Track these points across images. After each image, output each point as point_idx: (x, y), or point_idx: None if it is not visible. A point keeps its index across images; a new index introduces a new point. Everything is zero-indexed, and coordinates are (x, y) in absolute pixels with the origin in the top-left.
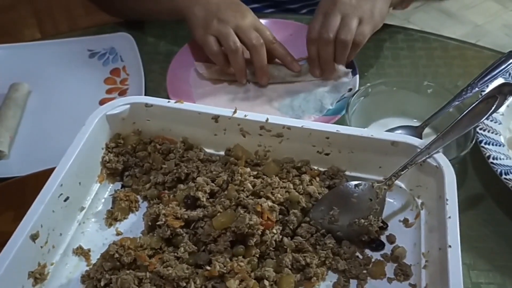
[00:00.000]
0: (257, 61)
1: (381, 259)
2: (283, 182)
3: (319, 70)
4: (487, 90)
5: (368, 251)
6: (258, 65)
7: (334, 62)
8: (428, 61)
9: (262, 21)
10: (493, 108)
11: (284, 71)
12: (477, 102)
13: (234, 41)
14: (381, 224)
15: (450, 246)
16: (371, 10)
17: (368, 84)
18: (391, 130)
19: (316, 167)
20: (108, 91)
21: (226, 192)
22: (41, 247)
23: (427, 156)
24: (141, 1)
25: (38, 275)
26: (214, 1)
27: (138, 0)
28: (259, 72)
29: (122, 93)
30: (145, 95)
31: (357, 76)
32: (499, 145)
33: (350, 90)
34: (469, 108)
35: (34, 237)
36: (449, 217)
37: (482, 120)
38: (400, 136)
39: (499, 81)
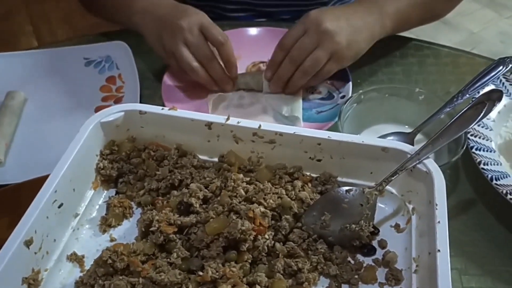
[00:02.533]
0: (213, 74)
1: (373, 264)
2: (275, 188)
3: (272, 74)
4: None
5: (359, 256)
6: (216, 77)
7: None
8: (421, 68)
9: (256, 29)
10: (482, 114)
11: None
12: (466, 109)
13: (188, 61)
14: (372, 229)
15: (439, 251)
16: (348, 44)
17: (361, 91)
18: (384, 136)
19: (308, 173)
20: (104, 99)
21: (219, 198)
22: (35, 253)
23: (417, 162)
24: (108, 12)
25: (32, 281)
26: (162, 13)
27: (107, 12)
28: (220, 83)
29: (118, 100)
30: (140, 102)
31: (350, 83)
32: (490, 151)
33: (343, 97)
34: (458, 115)
35: (28, 243)
36: (439, 222)
37: (471, 126)
38: (391, 142)
39: (489, 87)
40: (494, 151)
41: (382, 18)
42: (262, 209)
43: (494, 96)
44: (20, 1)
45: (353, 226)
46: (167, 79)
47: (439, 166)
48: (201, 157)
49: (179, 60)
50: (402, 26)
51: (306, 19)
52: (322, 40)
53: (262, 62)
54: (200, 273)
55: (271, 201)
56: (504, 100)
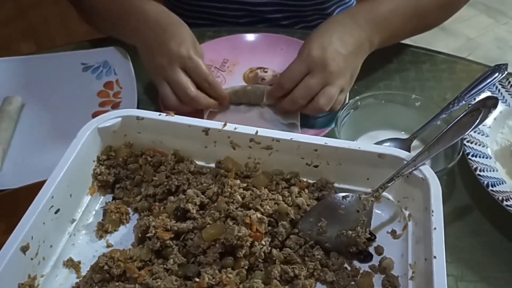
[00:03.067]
0: (199, 107)
1: (369, 270)
2: (272, 194)
3: (274, 103)
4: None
5: (356, 263)
6: (203, 108)
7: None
8: (417, 75)
9: (253, 35)
10: (477, 120)
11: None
12: (462, 116)
13: (170, 100)
14: (369, 236)
15: (435, 257)
16: (351, 76)
17: (357, 97)
18: (380, 142)
19: (305, 179)
20: (101, 104)
21: (216, 204)
22: (32, 259)
23: (413, 168)
24: (104, 26)
25: (28, 287)
26: (148, 39)
27: (103, 26)
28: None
29: (115, 106)
30: (138, 108)
31: None
32: (486, 158)
33: None
34: (455, 121)
35: (24, 249)
36: (435, 228)
37: (467, 133)
38: (387, 149)
39: (485, 94)
40: (490, 158)
41: (371, 35)
42: (259, 215)
43: (490, 103)
44: (19, 7)
45: (350, 232)
46: None
47: (436, 173)
48: (198, 162)
49: (161, 97)
50: (389, 40)
51: (309, 57)
52: (330, 80)
53: (260, 68)
54: (197, 279)
55: (267, 207)
56: (500, 107)
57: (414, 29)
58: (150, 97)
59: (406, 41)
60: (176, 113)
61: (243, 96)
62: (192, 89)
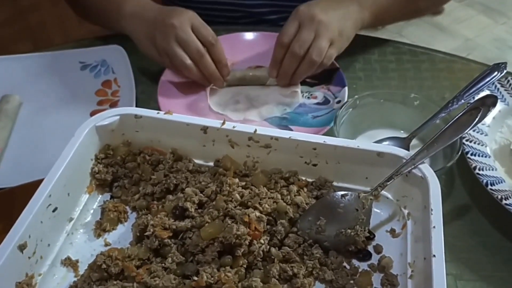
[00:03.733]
0: (203, 69)
1: (368, 269)
2: (271, 192)
3: (277, 72)
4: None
5: (355, 261)
6: (206, 73)
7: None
8: (416, 74)
9: (252, 33)
10: (476, 119)
11: (258, 73)
12: (461, 114)
13: (182, 59)
14: (368, 234)
15: (434, 256)
16: (340, 32)
17: (356, 96)
18: (379, 141)
19: (304, 178)
20: (100, 103)
21: (214, 203)
22: (29, 257)
23: (412, 166)
24: (97, 19)
25: (26, 286)
26: (152, 16)
27: (96, 17)
28: (211, 78)
29: (113, 104)
30: (136, 106)
31: (346, 88)
32: (485, 156)
33: (339, 102)
34: (453, 120)
35: (22, 248)
36: (434, 227)
37: (466, 132)
38: (386, 147)
39: (484, 93)
40: (489, 156)
41: (361, 9)
42: (258, 213)
43: (489, 102)
44: (18, 9)
45: (349, 231)
46: (163, 84)
47: (435, 171)
48: (196, 161)
49: (172, 58)
50: (382, 18)
51: (297, 14)
52: (319, 30)
53: (258, 67)
54: (195, 278)
55: (266, 205)
56: (499, 106)
57: (404, 11)
58: (149, 96)
59: (405, 40)
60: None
61: (243, 81)
62: (186, 57)
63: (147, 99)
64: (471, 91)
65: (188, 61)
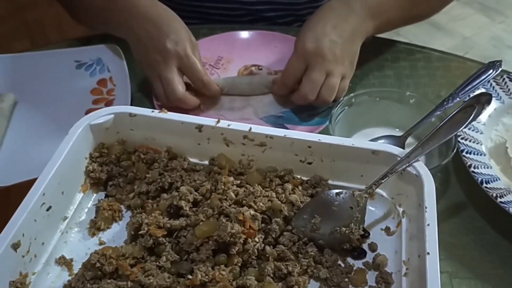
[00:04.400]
0: (189, 106)
1: (363, 267)
2: (265, 191)
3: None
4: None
5: (350, 259)
6: (189, 108)
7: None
8: (412, 72)
9: (248, 32)
10: (471, 117)
11: (255, 82)
12: (455, 112)
13: (162, 97)
14: (363, 232)
15: (428, 253)
16: (350, 61)
17: (352, 94)
18: (375, 139)
19: (299, 176)
20: (95, 102)
21: (209, 201)
22: (23, 256)
23: (407, 164)
24: (95, 20)
25: (20, 285)
26: (142, 35)
27: (94, 22)
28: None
29: (109, 103)
30: (131, 105)
31: None
32: (480, 154)
33: (334, 100)
34: (448, 118)
35: (15, 246)
36: (428, 225)
37: (460, 129)
38: (380, 145)
39: (480, 90)
40: (485, 155)
41: (364, 21)
42: (252, 212)
43: (483, 99)
44: (14, 7)
45: (343, 229)
46: None
47: (430, 169)
48: (191, 160)
49: (166, 87)
50: (385, 27)
51: (305, 51)
52: (330, 70)
53: (255, 66)
54: (190, 276)
55: (261, 204)
56: (494, 104)
57: (408, 17)
58: (144, 95)
59: (401, 39)
60: (170, 110)
61: (235, 88)
62: (180, 89)
63: (142, 98)
64: (466, 89)
65: (165, 101)
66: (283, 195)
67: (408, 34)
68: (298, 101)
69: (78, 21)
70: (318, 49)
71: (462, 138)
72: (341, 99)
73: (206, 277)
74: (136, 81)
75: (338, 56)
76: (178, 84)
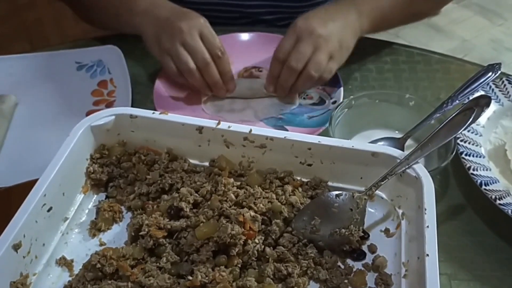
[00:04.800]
0: (208, 78)
1: (362, 268)
2: (266, 192)
3: (274, 88)
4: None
5: (349, 261)
6: (210, 82)
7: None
8: (411, 74)
9: (248, 34)
10: (470, 119)
11: (255, 86)
12: (454, 114)
13: (186, 61)
14: (362, 234)
15: (428, 255)
16: (340, 44)
17: (352, 97)
18: (374, 142)
19: (299, 178)
20: (95, 103)
21: (209, 203)
22: (24, 257)
23: (407, 166)
24: (106, 17)
25: (20, 285)
26: (163, 15)
27: (104, 15)
28: (214, 88)
29: (109, 105)
30: (132, 107)
31: (341, 88)
32: (480, 157)
33: (334, 102)
34: (447, 120)
35: (16, 247)
36: (427, 227)
37: (460, 132)
38: (380, 147)
39: (479, 93)
40: (484, 157)
41: (359, 17)
42: (252, 213)
43: (483, 102)
44: (13, 7)
45: (343, 230)
46: (159, 84)
47: (429, 171)
48: (191, 161)
49: (176, 60)
50: (381, 24)
51: (295, 28)
52: (318, 44)
53: (255, 67)
54: (190, 277)
55: (261, 205)
56: (494, 106)
57: (404, 16)
58: (144, 96)
59: (401, 41)
60: (171, 111)
61: (247, 90)
62: (207, 55)
63: (143, 99)
64: (465, 92)
65: (192, 65)
66: (283, 197)
67: (407, 36)
68: (285, 75)
69: (85, 19)
70: (307, 24)
71: (461, 140)
72: (341, 101)
73: (206, 278)
74: (136, 83)
75: (327, 33)
76: (187, 56)
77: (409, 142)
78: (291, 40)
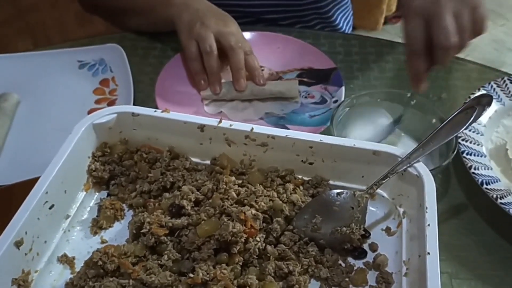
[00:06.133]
0: (234, 61)
1: (363, 267)
2: (267, 190)
3: (424, 85)
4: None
5: (350, 259)
6: (235, 67)
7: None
8: None
9: (250, 33)
10: (471, 118)
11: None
12: (456, 113)
13: (211, 44)
14: (363, 232)
15: (429, 253)
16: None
17: (353, 96)
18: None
19: (300, 176)
20: (97, 101)
21: (210, 201)
22: (25, 254)
23: (408, 165)
24: (140, 14)
25: (22, 282)
26: (202, 8)
27: (137, 13)
28: (236, 74)
29: (111, 103)
30: (133, 105)
31: (343, 88)
32: (481, 156)
33: (336, 101)
34: (448, 119)
35: (18, 244)
36: (428, 225)
37: (461, 131)
38: (381, 146)
39: (480, 92)
40: (485, 156)
41: None
42: (254, 211)
43: (484, 101)
44: (17, 9)
45: (344, 229)
46: (160, 83)
47: (430, 171)
48: (193, 159)
49: (202, 40)
50: None
51: (412, 10)
52: (455, 7)
53: None
54: (191, 275)
55: (262, 203)
56: (495, 106)
57: None
58: (146, 95)
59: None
60: (172, 109)
61: (236, 93)
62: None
63: (144, 98)
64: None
65: (215, 47)
66: (285, 195)
67: None
68: (441, 55)
69: (120, 24)
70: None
71: (462, 140)
72: (342, 100)
73: (208, 275)
74: (138, 82)
75: None
76: (213, 40)
77: (410, 141)
78: (418, 25)
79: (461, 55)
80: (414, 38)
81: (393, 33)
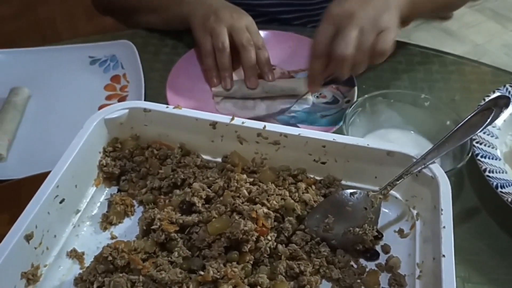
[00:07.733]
0: (245, 59)
1: (376, 268)
2: (279, 189)
3: (319, 87)
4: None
5: (362, 261)
6: (246, 64)
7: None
8: (426, 75)
9: (262, 32)
10: (488, 120)
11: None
12: (472, 114)
13: (223, 41)
14: (376, 234)
15: (444, 256)
16: (388, 21)
17: (366, 96)
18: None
19: (312, 176)
20: (108, 98)
21: (221, 198)
22: (35, 248)
23: (423, 166)
24: (154, 12)
25: (31, 276)
26: (215, 3)
27: (150, 11)
28: (248, 72)
29: (122, 99)
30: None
31: (355, 88)
32: (495, 159)
33: (348, 101)
34: (465, 120)
35: (28, 238)
36: (444, 227)
37: (477, 132)
38: (396, 146)
39: (496, 94)
40: (500, 159)
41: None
42: (265, 210)
43: (501, 103)
44: (26, 3)
45: (357, 229)
46: (171, 79)
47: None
48: (204, 157)
49: (216, 35)
50: (417, 6)
51: (329, 18)
52: (362, 24)
53: None
54: (201, 272)
55: (274, 202)
56: (510, 109)
57: (436, 3)
58: (157, 92)
59: (415, 42)
60: (184, 105)
61: (248, 91)
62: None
63: (155, 95)
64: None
65: (227, 43)
66: (296, 194)
67: (419, 40)
68: (337, 64)
69: (133, 23)
70: (344, 10)
71: (477, 142)
72: (355, 100)
73: (218, 273)
74: (149, 78)
75: (371, 16)
76: (226, 36)
77: (425, 142)
78: (328, 32)
79: (474, 57)
80: (319, 41)
81: (403, 36)
